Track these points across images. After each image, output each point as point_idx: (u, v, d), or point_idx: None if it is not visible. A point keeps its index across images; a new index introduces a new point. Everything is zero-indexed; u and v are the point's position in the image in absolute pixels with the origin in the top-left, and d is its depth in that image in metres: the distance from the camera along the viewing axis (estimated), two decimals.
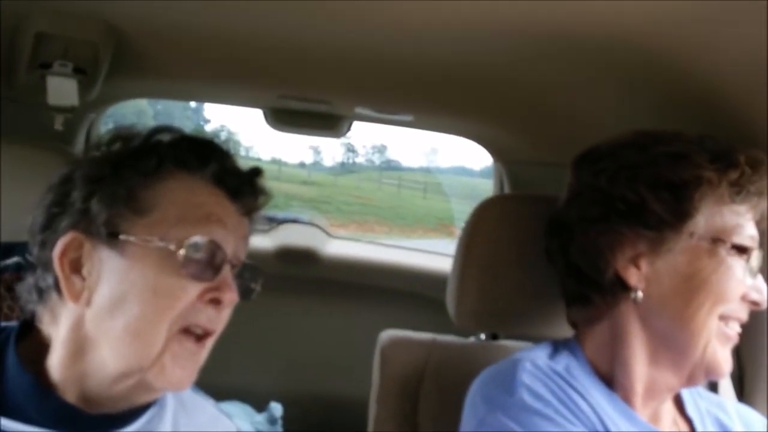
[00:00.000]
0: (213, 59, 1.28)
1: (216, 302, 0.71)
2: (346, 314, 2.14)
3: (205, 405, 0.86)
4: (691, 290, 0.81)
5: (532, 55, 1.04)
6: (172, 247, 0.68)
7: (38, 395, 0.68)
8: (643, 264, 0.83)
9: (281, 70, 1.33)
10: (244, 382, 1.97)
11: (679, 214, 0.81)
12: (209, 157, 0.74)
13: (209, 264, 0.70)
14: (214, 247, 0.70)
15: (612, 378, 0.87)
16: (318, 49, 1.14)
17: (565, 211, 0.91)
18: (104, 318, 0.68)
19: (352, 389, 1.93)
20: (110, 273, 0.69)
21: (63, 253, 0.69)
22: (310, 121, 1.76)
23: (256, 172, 0.79)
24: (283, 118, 1.77)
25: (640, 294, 0.83)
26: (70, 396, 0.69)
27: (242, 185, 0.76)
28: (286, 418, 1.85)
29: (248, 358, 2.09)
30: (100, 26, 1.08)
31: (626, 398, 0.85)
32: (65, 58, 1.12)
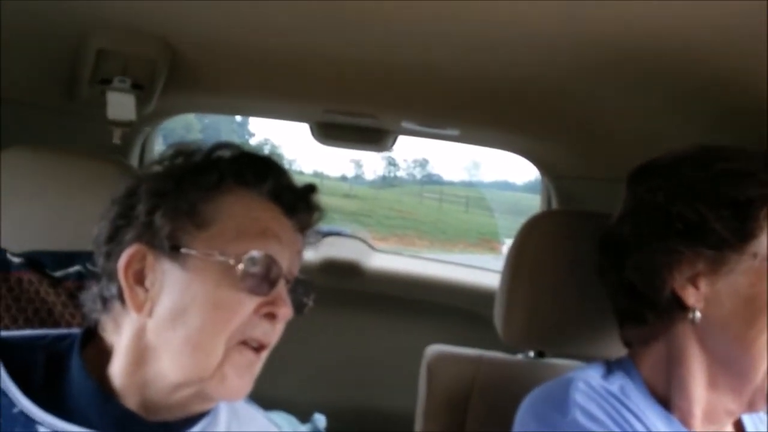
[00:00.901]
0: (262, 75, 1.31)
1: (271, 316, 0.72)
2: (390, 328, 2.14)
3: (256, 415, 0.87)
4: (753, 313, 0.78)
5: (581, 69, 1.03)
6: (231, 261, 0.70)
7: (100, 401, 0.70)
8: (702, 284, 0.80)
9: (328, 85, 1.35)
10: (289, 394, 1.98)
11: (742, 234, 0.78)
12: (267, 174, 0.76)
13: (265, 278, 0.71)
14: (270, 262, 0.72)
15: (669, 400, 0.84)
16: (364, 64, 1.15)
17: (618, 227, 0.88)
18: (165, 329, 0.70)
19: (396, 403, 1.92)
20: (172, 285, 0.70)
21: (127, 265, 0.71)
22: (356, 135, 1.78)
23: (310, 188, 0.81)
24: (329, 132, 1.79)
25: (698, 314, 0.80)
26: (130, 403, 0.71)
27: (297, 201, 0.78)
28: (330, 430, 1.85)
29: (293, 369, 2.11)
30: (157, 43, 1.12)
31: (684, 421, 0.83)
32: (124, 74, 1.16)
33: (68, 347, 0.74)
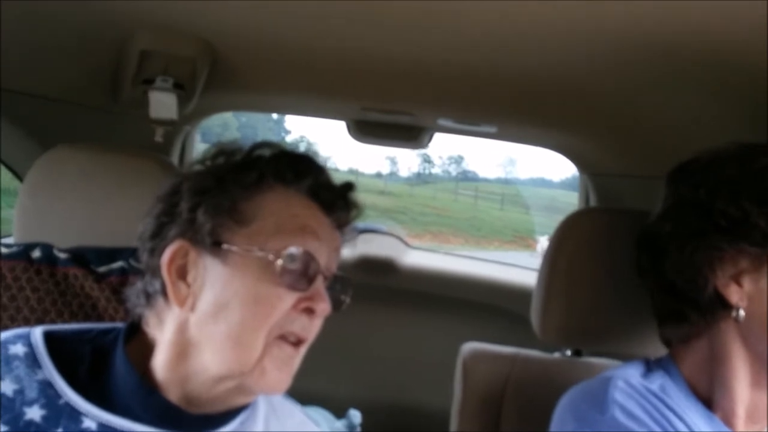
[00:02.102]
0: (300, 73, 1.32)
1: (310, 311, 0.74)
2: (425, 325, 2.14)
3: (294, 410, 0.88)
4: None
5: (620, 65, 1.02)
6: (270, 257, 0.71)
7: (143, 394, 0.72)
8: (746, 282, 0.78)
9: (365, 82, 1.35)
10: (324, 389, 1.99)
11: None
12: (306, 172, 0.78)
13: (304, 274, 0.73)
14: (309, 258, 0.73)
15: (711, 399, 0.83)
16: (401, 61, 1.15)
17: (659, 225, 0.87)
18: (207, 323, 0.71)
19: (431, 400, 1.92)
20: (214, 280, 0.72)
21: (171, 260, 0.73)
22: (393, 132, 1.78)
23: (348, 186, 0.82)
24: (365, 129, 1.79)
25: (742, 312, 0.78)
26: (172, 396, 0.73)
27: (336, 199, 0.79)
28: (365, 425, 1.86)
29: (329, 365, 2.12)
30: (198, 43, 1.14)
31: (727, 421, 0.81)
32: (166, 74, 1.19)
33: (113, 341, 0.76)
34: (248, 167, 0.76)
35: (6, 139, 1.38)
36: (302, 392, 2.02)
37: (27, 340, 0.73)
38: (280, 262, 0.71)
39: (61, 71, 1.24)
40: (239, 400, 0.76)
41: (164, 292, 0.74)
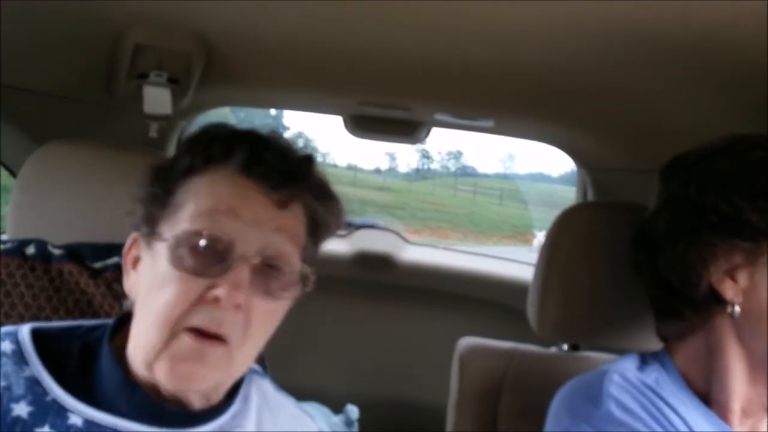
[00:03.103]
0: (297, 68, 1.32)
1: (216, 300, 0.67)
2: (423, 320, 2.14)
3: (288, 404, 0.87)
4: None
5: (617, 59, 1.01)
6: (172, 242, 0.68)
7: (127, 390, 0.71)
8: (741, 276, 0.78)
9: (362, 77, 1.35)
10: (322, 385, 1.99)
11: None
12: (234, 148, 0.72)
13: (214, 259, 0.67)
14: (214, 241, 0.68)
15: (706, 393, 0.82)
16: (398, 56, 1.14)
17: (652, 222, 0.87)
18: (137, 312, 0.72)
19: (429, 395, 1.92)
20: (146, 269, 0.73)
21: (127, 251, 0.75)
22: (390, 127, 1.77)
23: (298, 161, 0.75)
24: (362, 124, 1.79)
25: (737, 308, 0.78)
26: (154, 391, 0.71)
27: (272, 174, 0.71)
28: (362, 421, 1.86)
29: (326, 360, 2.13)
30: (193, 38, 1.13)
31: (722, 415, 0.81)
32: (160, 68, 1.19)
33: (101, 337, 0.75)
34: (183, 153, 0.75)
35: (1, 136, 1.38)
36: (299, 388, 2.01)
37: (15, 338, 0.73)
38: (175, 245, 0.68)
39: (55, 66, 1.23)
40: (213, 396, 0.75)
41: None
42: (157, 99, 1.21)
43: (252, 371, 0.85)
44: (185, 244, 0.67)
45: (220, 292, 0.66)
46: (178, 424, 0.72)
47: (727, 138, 0.83)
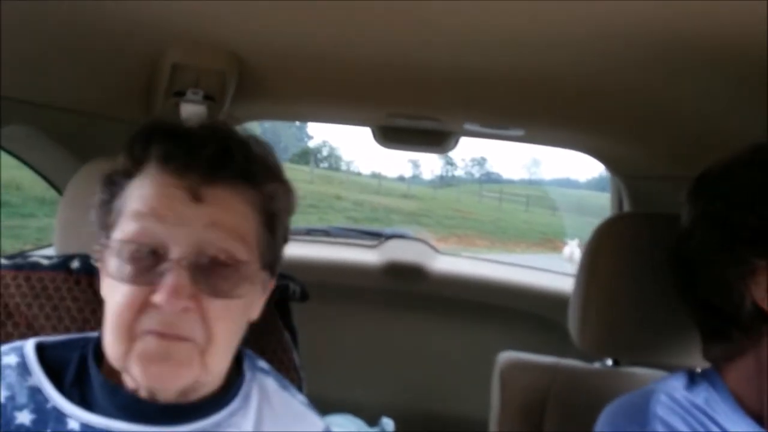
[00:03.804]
0: (327, 82, 1.33)
1: (154, 305, 0.66)
2: (457, 332, 2.12)
3: (291, 401, 0.85)
4: None
5: (651, 65, 1.00)
6: (108, 253, 0.69)
7: (109, 392, 0.73)
8: None
9: (391, 89, 1.35)
10: (357, 396, 2.00)
11: None
12: (149, 142, 0.69)
13: (146, 266, 0.66)
14: (144, 248, 0.66)
15: (760, 413, 0.79)
16: (427, 67, 1.15)
17: (685, 242, 0.83)
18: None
19: (464, 408, 1.91)
20: (102, 277, 0.73)
21: (98, 260, 0.73)
22: (418, 137, 1.77)
23: (220, 148, 0.68)
24: (391, 135, 1.79)
25: None
26: (143, 393, 0.72)
27: (188, 166, 0.67)
28: None
29: (361, 372, 2.13)
30: (227, 56, 1.15)
31: None
32: (197, 86, 1.21)
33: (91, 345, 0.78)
34: (125, 154, 0.72)
35: (44, 153, 1.41)
36: (334, 400, 2.02)
37: (20, 351, 0.76)
38: (115, 256, 0.67)
39: (98, 86, 1.26)
40: (195, 393, 0.74)
41: None
42: (194, 115, 1.23)
43: (257, 369, 0.85)
44: (118, 254, 0.67)
45: (158, 298, 0.64)
46: (170, 421, 0.73)
47: (750, 149, 0.80)
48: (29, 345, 0.77)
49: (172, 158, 0.67)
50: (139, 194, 0.68)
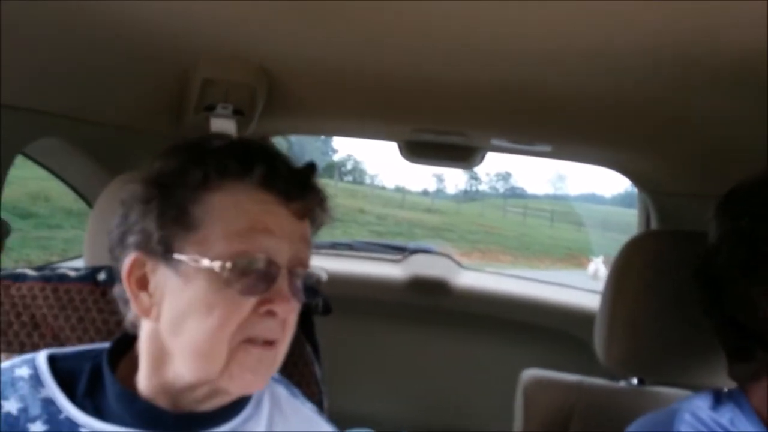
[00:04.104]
0: (354, 97, 1.34)
1: (271, 314, 0.70)
2: (480, 347, 2.11)
3: (301, 408, 0.85)
4: None
5: (679, 81, 0.99)
6: (216, 266, 0.68)
7: (128, 401, 0.73)
8: None
9: (417, 104, 1.36)
10: (377, 411, 1.99)
11: None
12: (252, 162, 0.71)
13: (259, 277, 0.69)
14: (262, 260, 0.69)
15: None
16: (454, 83, 1.15)
17: (711, 258, 0.83)
18: (172, 333, 0.71)
19: (486, 424, 1.89)
20: (171, 290, 0.70)
21: (129, 272, 0.71)
22: (445, 153, 1.77)
23: (306, 170, 0.75)
24: (418, 150, 1.79)
25: None
26: (160, 402, 0.73)
27: (292, 186, 0.72)
28: None
29: (382, 386, 2.12)
30: (257, 71, 1.17)
31: None
32: (226, 101, 1.22)
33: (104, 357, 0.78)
34: (192, 166, 0.71)
35: (74, 165, 1.44)
36: (355, 414, 2.00)
37: (32, 363, 0.76)
38: (227, 270, 0.68)
39: (129, 101, 1.29)
40: (223, 400, 0.75)
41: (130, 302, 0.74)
42: (223, 130, 1.25)
43: None
44: (233, 267, 0.68)
45: (278, 308, 0.69)
46: (186, 429, 0.74)
47: None
48: (41, 357, 0.77)
49: (275, 179, 0.71)
50: (241, 210, 0.70)
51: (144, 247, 0.71)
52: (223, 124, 1.24)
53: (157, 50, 1.10)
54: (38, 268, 0.98)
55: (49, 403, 0.73)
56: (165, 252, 0.69)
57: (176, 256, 0.69)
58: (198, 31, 1.01)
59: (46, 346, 0.90)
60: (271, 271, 0.70)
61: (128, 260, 0.71)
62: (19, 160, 1.22)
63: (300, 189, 0.73)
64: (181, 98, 1.27)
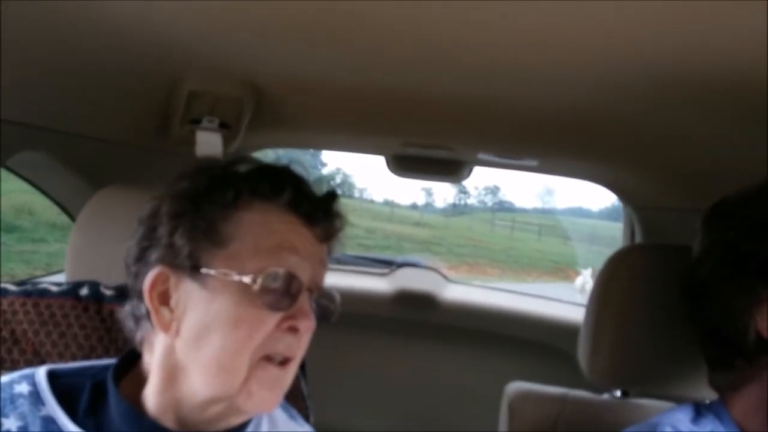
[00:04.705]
0: (342, 111, 1.34)
1: (294, 330, 0.73)
2: (466, 361, 2.11)
3: (295, 428, 0.86)
4: None
5: (663, 99, 1.00)
6: (247, 280, 0.70)
7: (133, 420, 0.72)
8: None
9: (406, 119, 1.36)
10: (364, 425, 1.97)
11: None
12: (283, 185, 0.75)
13: (285, 293, 0.71)
14: (289, 277, 0.71)
15: None
16: (442, 97, 1.15)
17: (697, 270, 0.84)
18: (192, 348, 0.71)
19: None
20: (195, 305, 0.71)
21: (152, 287, 0.72)
22: (432, 167, 1.78)
23: (330, 197, 0.79)
24: (405, 164, 1.80)
25: None
26: (166, 420, 0.73)
27: (317, 211, 0.76)
28: None
29: (369, 400, 2.10)
30: (243, 84, 1.16)
31: None
32: (213, 114, 1.22)
33: (108, 374, 0.77)
34: (225, 185, 0.74)
35: (57, 179, 1.43)
36: (341, 428, 1.99)
37: (32, 380, 0.75)
38: (258, 284, 0.70)
39: (113, 113, 1.28)
40: (234, 420, 0.76)
41: (150, 317, 0.74)
42: (209, 143, 1.24)
43: None
44: (267, 283, 0.70)
45: (301, 324, 0.72)
46: None
47: (765, 181, 0.82)
48: (41, 373, 0.76)
49: (302, 202, 0.75)
50: (271, 229, 0.73)
51: (170, 261, 0.72)
52: (209, 138, 1.23)
53: (142, 62, 1.09)
54: (19, 283, 0.97)
55: (49, 422, 0.72)
56: (193, 267, 0.71)
57: (204, 270, 0.70)
58: (184, 44, 1.01)
59: (26, 362, 0.89)
60: (295, 289, 0.72)
61: (152, 274, 0.72)
62: (2, 173, 1.21)
63: (324, 213, 0.77)
64: (167, 111, 1.26)
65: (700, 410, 0.84)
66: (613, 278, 1.01)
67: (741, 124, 1.06)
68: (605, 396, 1.11)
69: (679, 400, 0.89)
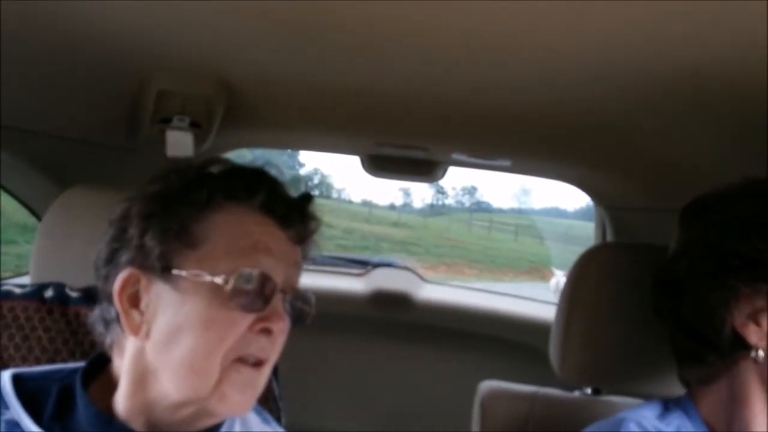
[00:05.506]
0: (315, 110, 1.33)
1: (267, 332, 0.72)
2: (441, 360, 2.11)
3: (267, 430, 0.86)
4: None
5: (634, 100, 1.01)
6: (219, 280, 0.69)
7: (102, 424, 0.71)
8: (764, 320, 0.77)
9: (380, 119, 1.36)
10: (337, 425, 1.97)
11: None
12: (257, 187, 0.75)
13: (258, 295, 0.70)
14: (263, 278, 0.71)
15: None
16: (416, 97, 1.15)
17: (673, 265, 0.85)
18: (162, 350, 0.70)
19: None
20: (166, 306, 0.70)
21: (122, 289, 0.71)
22: (407, 167, 1.78)
23: (305, 199, 0.79)
24: (380, 164, 1.80)
25: (761, 353, 0.77)
26: (136, 424, 0.72)
27: (290, 213, 0.76)
28: None
29: (342, 401, 2.10)
30: (214, 83, 1.15)
31: None
32: (183, 113, 1.20)
33: (75, 379, 0.76)
34: (197, 186, 0.73)
35: (24, 179, 1.40)
36: (316, 429, 1.98)
37: None
38: (230, 285, 0.69)
39: (80, 112, 1.25)
40: (205, 422, 0.75)
41: (120, 320, 0.73)
42: (179, 143, 1.22)
43: None
44: (239, 284, 0.69)
45: (274, 326, 0.71)
46: None
47: (746, 180, 0.83)
48: (5, 377, 0.75)
49: (276, 204, 0.75)
50: (244, 230, 0.73)
51: (140, 263, 0.71)
52: (180, 137, 1.21)
53: (110, 61, 1.08)
54: None
55: (13, 425, 0.70)
56: (164, 268, 0.70)
57: (176, 272, 0.70)
58: (153, 43, 0.99)
59: None
60: (269, 290, 0.71)
61: (122, 276, 0.71)
62: None
63: (299, 215, 0.77)
64: (136, 110, 1.24)
65: (667, 406, 0.85)
66: (584, 277, 1.02)
67: (711, 129, 1.07)
68: (576, 393, 1.12)
69: (650, 397, 0.90)
